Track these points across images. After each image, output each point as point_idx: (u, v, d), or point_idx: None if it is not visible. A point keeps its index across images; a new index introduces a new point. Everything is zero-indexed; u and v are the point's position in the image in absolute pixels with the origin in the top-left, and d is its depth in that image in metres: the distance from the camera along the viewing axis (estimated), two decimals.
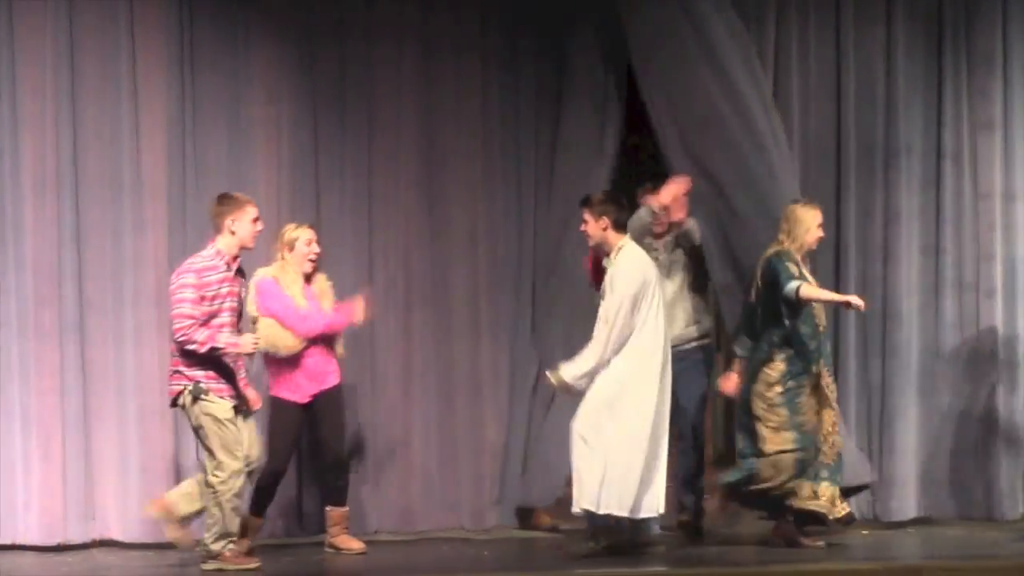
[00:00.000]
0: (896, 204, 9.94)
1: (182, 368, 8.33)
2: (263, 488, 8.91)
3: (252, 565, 8.44)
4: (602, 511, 8.50)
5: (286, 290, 8.90)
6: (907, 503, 9.79)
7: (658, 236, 9.25)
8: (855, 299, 8.81)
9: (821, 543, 8.83)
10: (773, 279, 8.71)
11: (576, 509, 8.60)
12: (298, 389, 8.93)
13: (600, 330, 8.51)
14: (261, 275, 8.94)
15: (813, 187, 9.86)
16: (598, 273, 8.74)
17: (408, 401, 9.76)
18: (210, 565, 8.40)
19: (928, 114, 10.00)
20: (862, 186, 9.97)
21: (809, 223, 8.85)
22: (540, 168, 9.99)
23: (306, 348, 8.88)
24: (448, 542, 9.49)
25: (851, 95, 9.98)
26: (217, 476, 8.28)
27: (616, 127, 9.91)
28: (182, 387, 8.32)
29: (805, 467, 8.74)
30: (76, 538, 9.26)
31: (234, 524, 8.38)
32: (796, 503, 8.79)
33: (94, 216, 9.35)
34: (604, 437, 8.46)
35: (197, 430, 8.39)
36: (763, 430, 8.72)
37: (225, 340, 8.29)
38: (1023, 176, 9.92)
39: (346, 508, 9.11)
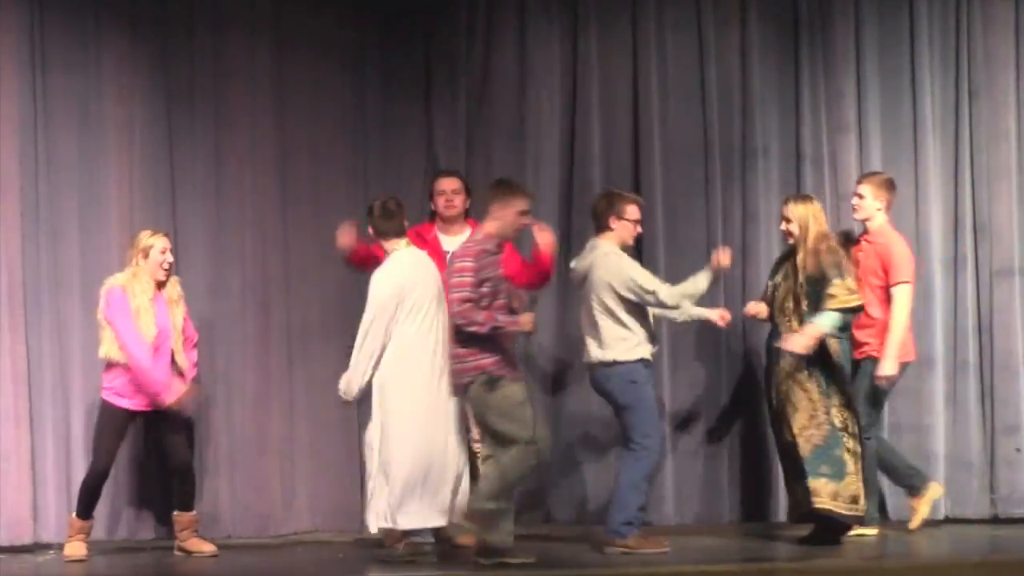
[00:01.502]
0: (754, 206, 10.01)
1: (469, 357, 8.22)
2: (90, 488, 8.88)
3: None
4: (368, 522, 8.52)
5: (132, 300, 8.83)
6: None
7: None
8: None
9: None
10: None
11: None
12: (133, 396, 8.86)
13: (357, 341, 8.45)
14: (111, 283, 8.88)
15: (676, 187, 9.94)
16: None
17: (266, 402, 9.71)
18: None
19: (785, 116, 10.08)
20: (723, 187, 10.05)
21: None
22: (394, 166, 9.99)
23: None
24: (304, 545, 9.44)
25: (713, 96, 10.07)
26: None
27: (466, 127, 9.98)
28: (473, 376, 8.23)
29: None
30: None
31: None
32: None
33: None
34: (378, 447, 8.43)
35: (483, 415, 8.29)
36: None
37: (504, 319, 8.23)
38: None
39: (194, 513, 9.06)
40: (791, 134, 10.06)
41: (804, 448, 8.71)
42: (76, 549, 8.86)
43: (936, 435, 9.85)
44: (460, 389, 8.35)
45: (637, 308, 8.69)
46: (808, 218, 8.84)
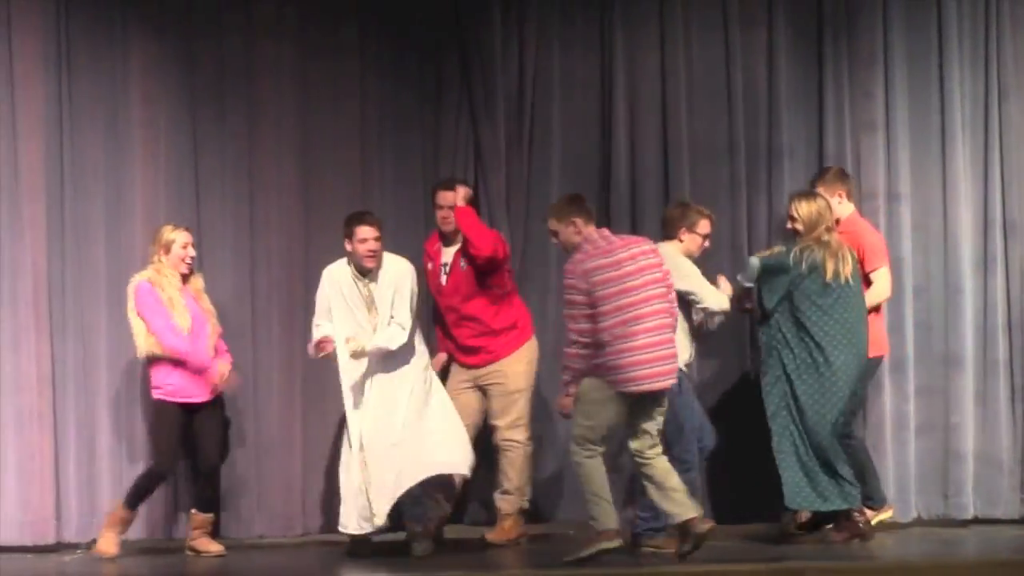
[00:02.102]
0: (780, 206, 9.94)
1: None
2: (144, 488, 8.92)
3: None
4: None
5: (162, 293, 8.88)
6: None
7: None
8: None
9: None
10: None
11: None
12: (178, 392, 8.90)
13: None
14: (137, 280, 8.93)
15: (702, 187, 9.91)
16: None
17: (291, 404, 9.71)
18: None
19: (810, 116, 10.02)
20: (748, 187, 10.01)
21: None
22: (418, 172, 9.99)
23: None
24: (331, 545, 9.38)
25: (739, 97, 10.03)
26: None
27: (497, 132, 9.96)
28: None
29: None
30: None
31: None
32: None
33: None
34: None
35: None
36: None
37: None
38: (906, 176, 9.91)
39: (211, 515, 9.10)
40: (816, 134, 10.01)
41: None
42: (108, 544, 8.87)
43: (965, 434, 9.76)
44: None
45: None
46: (814, 215, 8.84)
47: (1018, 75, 9.96)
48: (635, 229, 9.67)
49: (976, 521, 9.68)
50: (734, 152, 10.02)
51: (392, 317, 8.83)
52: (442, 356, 9.44)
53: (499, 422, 9.26)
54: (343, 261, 8.94)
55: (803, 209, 8.88)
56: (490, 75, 10.00)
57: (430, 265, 9.39)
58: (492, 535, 9.26)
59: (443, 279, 9.31)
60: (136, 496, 8.93)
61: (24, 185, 9.35)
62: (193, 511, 9.08)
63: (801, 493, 8.80)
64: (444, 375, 9.35)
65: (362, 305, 8.86)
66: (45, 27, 9.39)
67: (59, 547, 9.25)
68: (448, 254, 9.30)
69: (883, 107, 9.96)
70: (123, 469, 9.43)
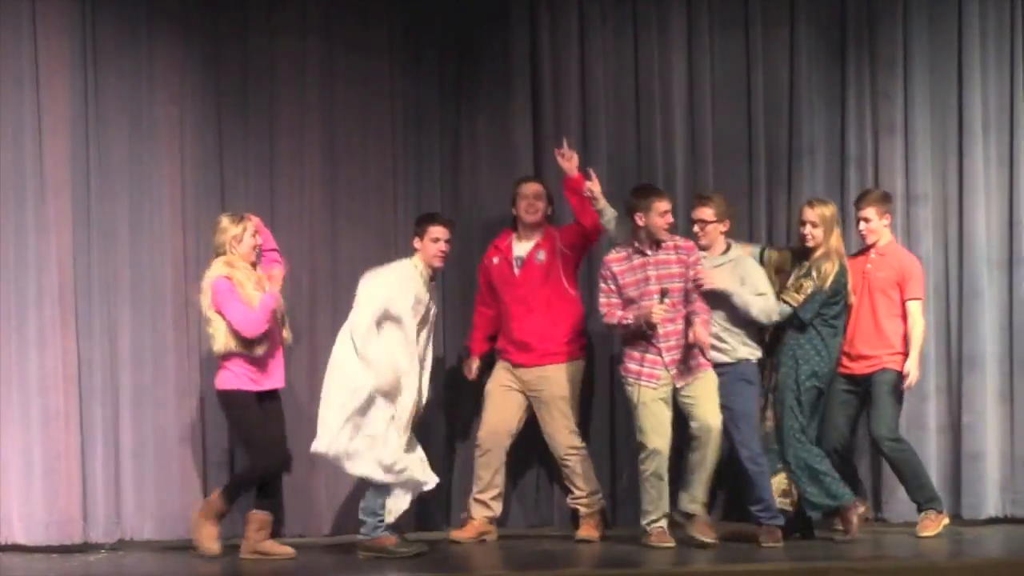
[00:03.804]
0: (800, 206, 9.99)
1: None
2: (246, 483, 9.02)
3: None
4: None
5: (242, 290, 8.87)
6: None
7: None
8: None
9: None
10: None
11: None
12: (255, 381, 8.95)
13: None
14: (214, 275, 8.89)
15: (722, 187, 9.94)
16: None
17: (313, 403, 9.68)
18: None
19: (832, 117, 10.08)
20: (769, 188, 10.08)
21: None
22: (444, 170, 10.02)
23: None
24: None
25: (760, 97, 10.09)
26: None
27: (524, 128, 10.00)
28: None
29: None
30: None
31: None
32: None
33: None
34: None
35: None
36: None
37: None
38: (925, 178, 9.98)
39: (270, 515, 9.09)
40: (837, 135, 10.07)
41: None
42: (209, 541, 8.90)
43: (985, 434, 9.84)
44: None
45: None
46: (832, 222, 9.06)
47: None
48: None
49: (1002, 520, 9.76)
50: (754, 152, 10.08)
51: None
52: (473, 361, 9.55)
53: (552, 430, 9.40)
54: (406, 262, 8.97)
55: (821, 212, 9.05)
56: (517, 74, 10.02)
57: (496, 259, 9.51)
58: (581, 532, 9.40)
59: (516, 270, 9.42)
60: (261, 494, 8.96)
61: (49, 183, 9.34)
62: (254, 511, 9.01)
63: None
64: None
65: (423, 310, 8.91)
66: (71, 26, 9.38)
67: (85, 547, 9.25)
68: (522, 248, 9.47)
69: (902, 108, 10.03)
70: (149, 468, 9.45)
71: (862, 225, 9.31)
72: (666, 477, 8.95)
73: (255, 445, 8.93)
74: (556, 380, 9.39)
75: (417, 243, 8.97)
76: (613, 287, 8.95)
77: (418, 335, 8.89)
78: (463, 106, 10.06)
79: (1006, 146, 9.99)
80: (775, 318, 9.07)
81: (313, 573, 8.86)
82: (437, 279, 9.28)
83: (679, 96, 10.07)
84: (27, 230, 9.30)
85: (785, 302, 9.07)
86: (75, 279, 9.34)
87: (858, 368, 9.24)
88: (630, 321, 8.87)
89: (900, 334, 9.21)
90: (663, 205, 8.94)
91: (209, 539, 8.90)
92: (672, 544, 8.89)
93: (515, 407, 9.45)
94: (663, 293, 8.80)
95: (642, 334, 8.91)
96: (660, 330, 8.85)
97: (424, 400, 9.00)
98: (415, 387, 8.85)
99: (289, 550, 9.01)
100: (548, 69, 10.05)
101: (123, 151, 9.48)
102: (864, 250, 9.40)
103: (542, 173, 9.88)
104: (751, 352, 9.11)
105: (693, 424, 8.94)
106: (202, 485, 9.50)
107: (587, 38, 10.07)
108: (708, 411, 8.90)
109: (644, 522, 8.99)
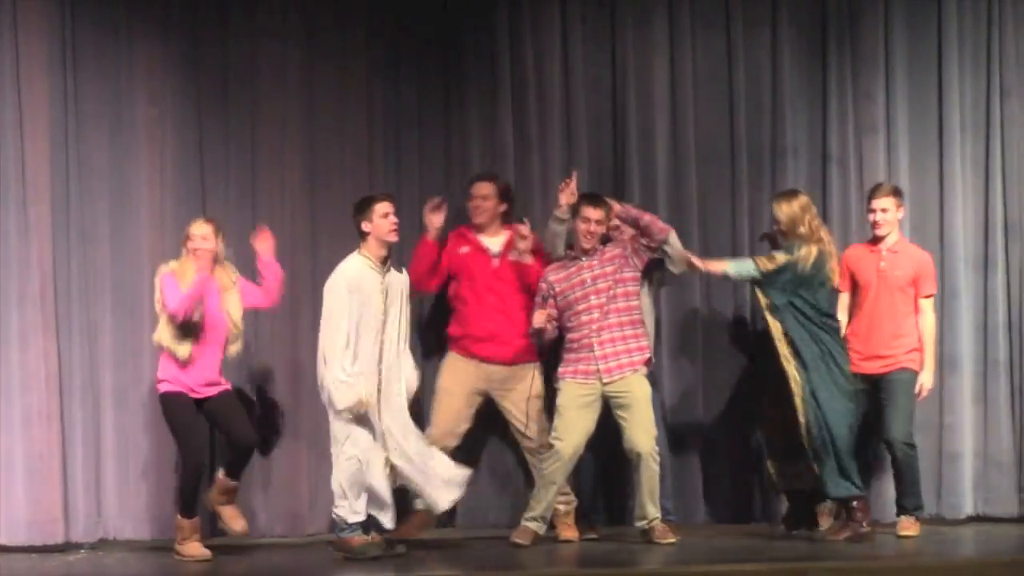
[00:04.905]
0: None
1: None
2: (188, 489, 8.97)
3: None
4: None
5: (179, 278, 8.90)
6: None
7: None
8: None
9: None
10: None
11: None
12: (183, 383, 8.93)
13: None
14: (163, 270, 8.97)
15: (704, 187, 9.98)
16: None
17: (295, 402, 9.74)
18: None
19: (813, 117, 10.09)
20: (750, 187, 10.07)
21: None
22: (424, 172, 10.03)
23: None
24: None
25: (741, 97, 10.09)
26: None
27: (505, 131, 10.01)
28: None
29: None
30: None
31: None
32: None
33: None
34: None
35: None
36: None
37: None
38: (907, 178, 9.97)
39: (237, 484, 9.11)
40: (819, 135, 10.07)
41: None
42: (194, 549, 8.89)
43: (963, 434, 9.83)
44: None
45: None
46: (795, 215, 8.98)
47: (1020, 74, 10.03)
48: None
49: (976, 519, 9.77)
50: (736, 152, 10.08)
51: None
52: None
53: (526, 430, 9.44)
54: (353, 255, 8.92)
55: (782, 209, 9.01)
56: (498, 76, 10.04)
57: (464, 249, 9.49)
58: (562, 533, 9.42)
59: (494, 262, 9.45)
60: (187, 502, 8.93)
61: (30, 185, 9.36)
62: (220, 475, 9.02)
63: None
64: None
65: (379, 297, 8.83)
66: (51, 28, 9.40)
67: (66, 547, 9.27)
68: (494, 242, 9.48)
69: (883, 108, 10.03)
70: (130, 468, 9.49)
71: (879, 216, 9.16)
72: (560, 482, 9.03)
73: (179, 444, 9.00)
74: (534, 379, 9.38)
75: (366, 226, 8.81)
76: (543, 299, 9.09)
77: (387, 317, 8.85)
78: (443, 109, 10.07)
79: (982, 146, 10.00)
80: (744, 274, 9.08)
81: (294, 573, 8.89)
82: None
83: (660, 96, 10.07)
84: (8, 233, 9.32)
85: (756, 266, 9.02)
86: (56, 281, 9.36)
87: (873, 368, 9.12)
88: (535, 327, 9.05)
89: (917, 333, 9.13)
90: (588, 213, 9.02)
91: (194, 551, 8.93)
92: (526, 543, 8.96)
93: (471, 408, 9.49)
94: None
95: (576, 338, 9.03)
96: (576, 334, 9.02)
97: (416, 381, 8.98)
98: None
99: (243, 525, 9.04)
100: (530, 70, 10.05)
101: (103, 154, 9.51)
102: (872, 242, 9.26)
103: (523, 174, 9.91)
104: None
105: (624, 445, 9.01)
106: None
107: (569, 39, 10.07)
108: (639, 433, 8.98)
109: (524, 516, 9.09)
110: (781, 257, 8.99)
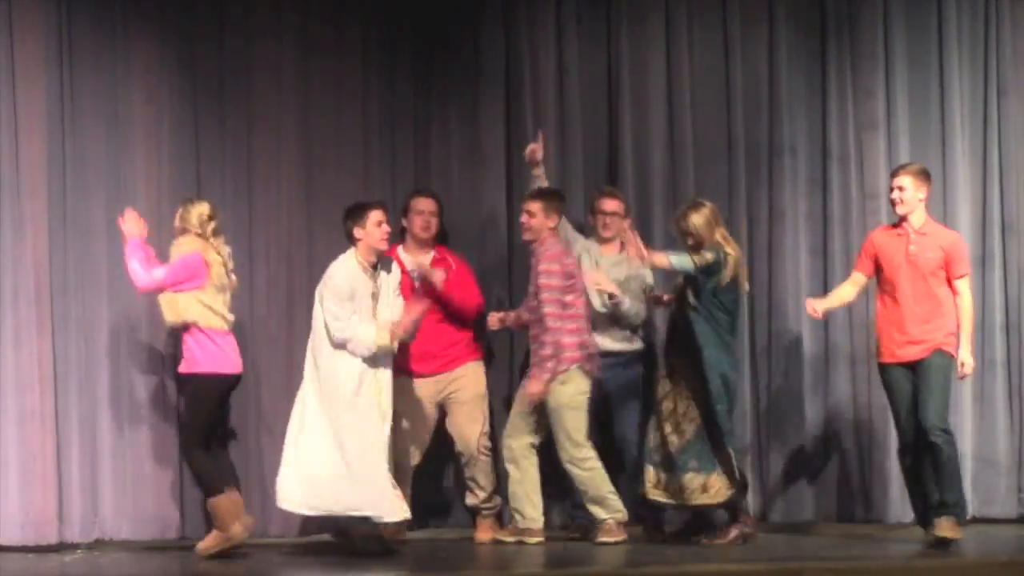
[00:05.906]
0: (781, 204, 10.00)
1: None
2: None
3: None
4: None
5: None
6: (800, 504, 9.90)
7: None
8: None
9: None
10: None
11: None
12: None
13: None
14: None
15: (703, 185, 9.93)
16: None
17: (290, 399, 9.68)
18: None
19: (812, 114, 10.07)
20: (749, 185, 10.05)
21: None
22: (419, 170, 10.01)
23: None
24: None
25: (740, 95, 10.06)
26: None
27: (498, 128, 9.98)
28: None
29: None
30: None
31: None
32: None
33: None
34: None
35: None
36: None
37: None
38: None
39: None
40: (818, 132, 10.05)
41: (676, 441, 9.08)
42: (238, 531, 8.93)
43: (962, 434, 9.79)
44: None
45: None
46: (709, 221, 8.96)
47: (1017, 72, 10.04)
48: (643, 225, 9.73)
49: (973, 520, 9.68)
50: (734, 149, 10.05)
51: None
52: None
53: (467, 431, 9.49)
54: (348, 255, 8.94)
55: (694, 220, 8.95)
56: (493, 74, 10.01)
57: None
58: (479, 535, 9.46)
59: (416, 284, 9.41)
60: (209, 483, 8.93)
61: (25, 183, 9.32)
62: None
63: None
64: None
65: (369, 302, 8.90)
66: (47, 26, 9.36)
67: (61, 547, 9.23)
68: (415, 263, 9.45)
69: (883, 105, 10.01)
70: (126, 468, 9.45)
71: (895, 194, 8.91)
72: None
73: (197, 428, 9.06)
74: (474, 379, 9.50)
75: (359, 232, 8.89)
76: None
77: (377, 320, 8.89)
78: (438, 107, 10.04)
79: (979, 145, 10.00)
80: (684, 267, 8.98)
81: (290, 573, 8.85)
82: None
83: (657, 94, 10.05)
84: (3, 229, 9.28)
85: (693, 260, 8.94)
86: (51, 278, 9.33)
87: (911, 354, 8.81)
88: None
89: (953, 314, 8.86)
90: (528, 205, 9.12)
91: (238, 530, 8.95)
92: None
93: (429, 422, 9.56)
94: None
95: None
96: None
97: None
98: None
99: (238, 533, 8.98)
100: (526, 67, 10.03)
101: (99, 150, 9.47)
102: (897, 225, 9.01)
103: (514, 173, 9.89)
104: None
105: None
106: (179, 485, 9.48)
107: (564, 35, 10.04)
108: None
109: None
110: (710, 255, 8.91)
